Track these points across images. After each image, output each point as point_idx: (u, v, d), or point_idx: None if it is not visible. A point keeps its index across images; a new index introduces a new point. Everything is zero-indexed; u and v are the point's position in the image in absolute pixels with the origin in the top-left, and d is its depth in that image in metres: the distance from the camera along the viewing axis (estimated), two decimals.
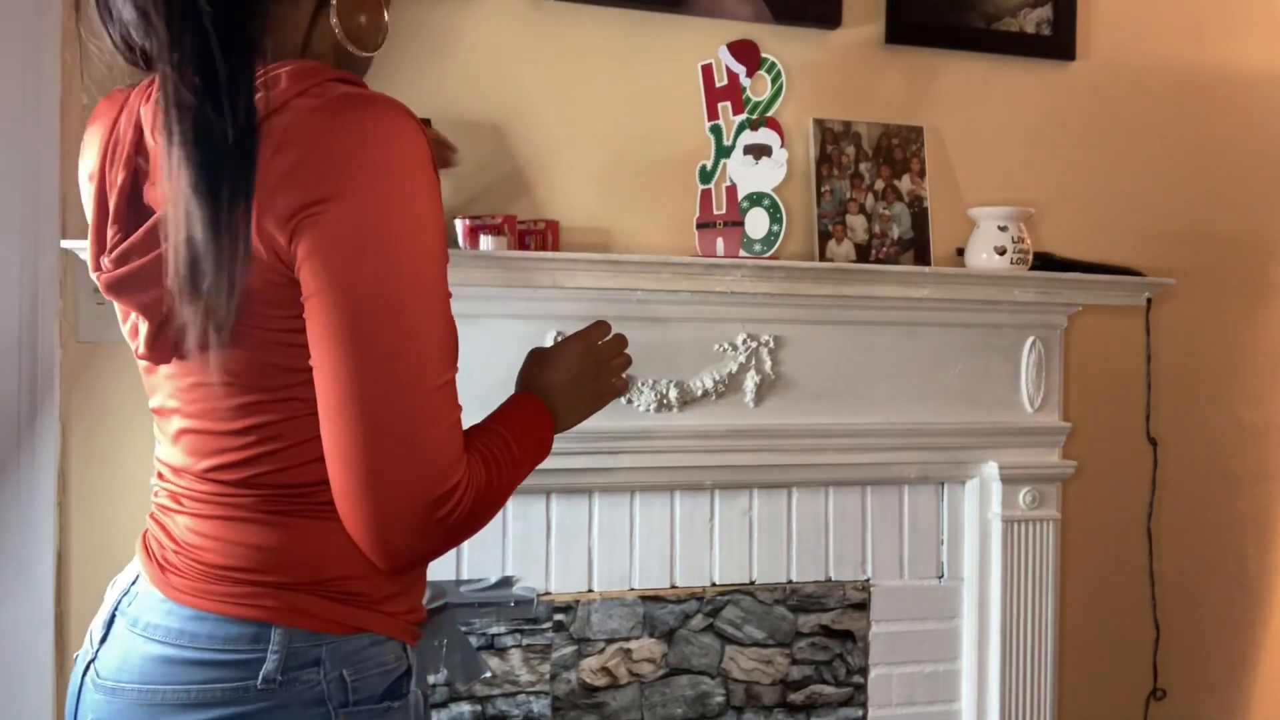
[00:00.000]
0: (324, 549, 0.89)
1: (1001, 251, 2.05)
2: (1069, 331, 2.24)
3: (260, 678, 0.86)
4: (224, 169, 0.80)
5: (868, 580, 2.14)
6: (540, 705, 1.98)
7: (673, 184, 2.05)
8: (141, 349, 0.91)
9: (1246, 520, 2.50)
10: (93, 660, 0.91)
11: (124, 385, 1.87)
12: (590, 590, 2.00)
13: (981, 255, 2.07)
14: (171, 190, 0.81)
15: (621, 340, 1.15)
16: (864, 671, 2.15)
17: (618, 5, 2.03)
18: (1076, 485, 2.31)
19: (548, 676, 1.98)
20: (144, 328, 0.89)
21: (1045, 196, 2.31)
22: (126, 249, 0.87)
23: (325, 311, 0.81)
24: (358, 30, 0.94)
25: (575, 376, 1.10)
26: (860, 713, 2.15)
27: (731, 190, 2.01)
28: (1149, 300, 2.27)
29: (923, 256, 2.15)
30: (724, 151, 2.01)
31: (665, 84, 2.07)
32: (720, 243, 2.00)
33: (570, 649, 2.00)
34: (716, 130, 2.01)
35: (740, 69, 2.02)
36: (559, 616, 1.99)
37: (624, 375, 1.17)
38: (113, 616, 0.93)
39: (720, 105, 2.01)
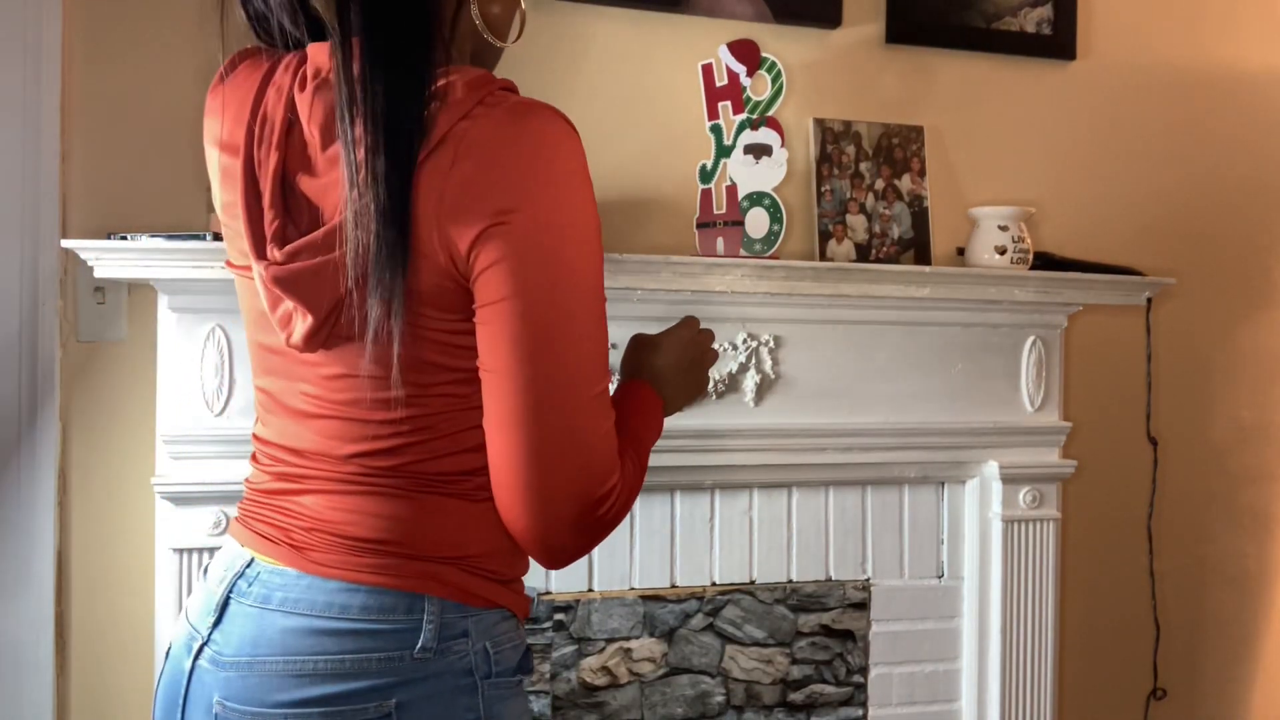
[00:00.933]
0: (466, 528, 0.91)
1: (1002, 251, 2.05)
2: (1069, 331, 2.24)
3: (418, 647, 0.87)
4: (406, 164, 0.82)
5: (868, 580, 2.14)
6: (540, 704, 1.98)
7: (673, 183, 2.06)
8: (296, 339, 0.90)
9: (1246, 520, 2.50)
10: (205, 643, 0.91)
11: (124, 385, 1.87)
12: (590, 590, 2.00)
13: (982, 255, 2.07)
14: (358, 182, 0.82)
15: (712, 334, 1.20)
16: (864, 671, 2.15)
17: (618, 5, 2.03)
18: (1076, 485, 2.31)
19: (548, 676, 1.99)
20: (304, 322, 0.88)
21: (1045, 196, 2.31)
22: (301, 246, 0.87)
23: (506, 319, 0.83)
24: (495, 20, 0.97)
25: (683, 364, 1.13)
26: (860, 712, 2.15)
27: (732, 190, 2.01)
28: (1149, 300, 2.27)
29: (923, 256, 2.15)
30: (724, 151, 2.01)
31: (665, 83, 2.07)
32: (720, 242, 2.00)
33: (570, 648, 2.00)
34: (717, 130, 2.01)
35: (740, 68, 2.02)
36: (559, 616, 1.99)
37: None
38: (228, 599, 0.92)
39: (720, 105, 2.01)
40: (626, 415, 1.00)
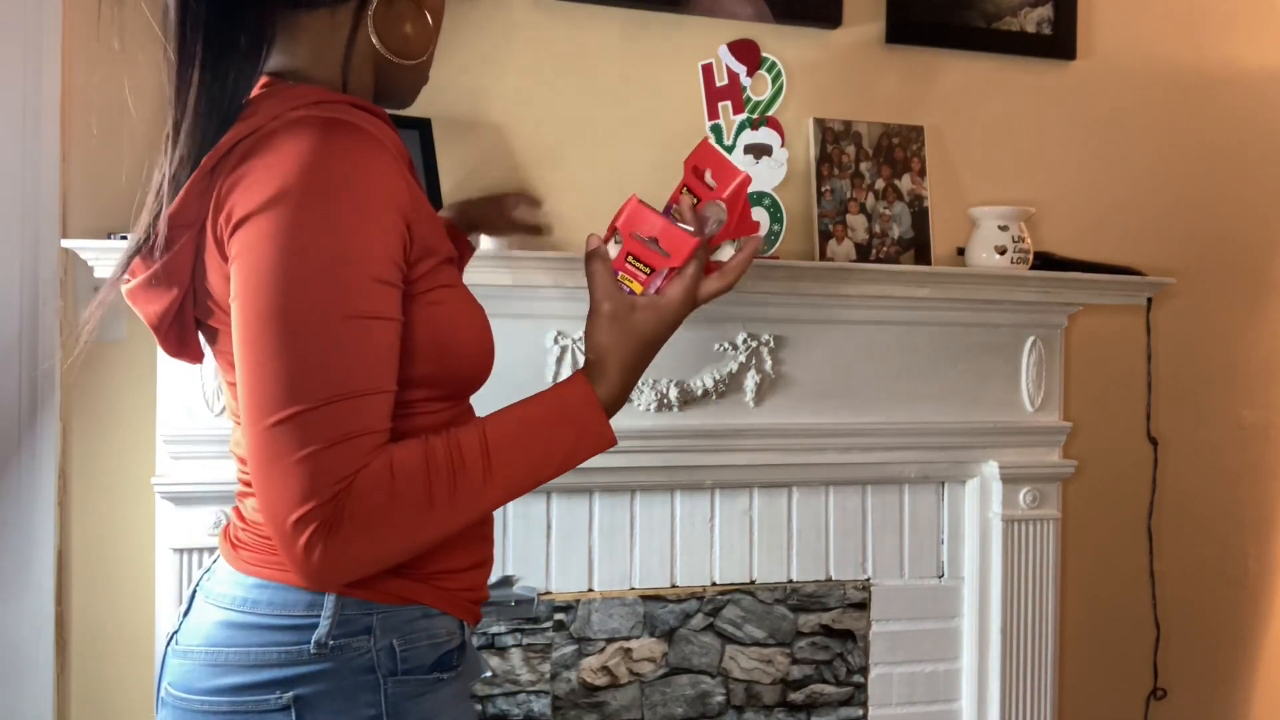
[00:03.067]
0: None
1: (1002, 251, 2.05)
2: (1069, 331, 2.24)
3: (312, 642, 0.90)
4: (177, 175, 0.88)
5: (868, 580, 2.14)
6: (540, 704, 1.98)
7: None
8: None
9: (1246, 520, 2.50)
10: (175, 631, 0.97)
11: (124, 385, 1.87)
12: (590, 590, 2.00)
13: (982, 255, 2.07)
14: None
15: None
16: (864, 671, 2.15)
17: (618, 5, 2.03)
18: (1076, 485, 2.31)
19: (548, 676, 1.98)
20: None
21: (1045, 196, 2.31)
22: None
23: (234, 326, 0.85)
24: (399, 39, 0.97)
25: (658, 341, 0.98)
26: (860, 712, 2.15)
27: None
28: (1149, 300, 2.27)
29: (923, 256, 2.15)
30: (724, 151, 2.01)
31: (665, 83, 2.07)
32: None
33: (570, 648, 2.00)
34: (717, 130, 2.01)
35: (741, 68, 2.02)
36: (559, 616, 1.99)
37: None
38: (195, 592, 0.98)
39: (721, 105, 2.01)
40: (505, 445, 0.89)
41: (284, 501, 0.81)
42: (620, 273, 0.96)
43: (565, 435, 0.92)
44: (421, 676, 0.93)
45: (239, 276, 0.83)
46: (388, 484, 0.83)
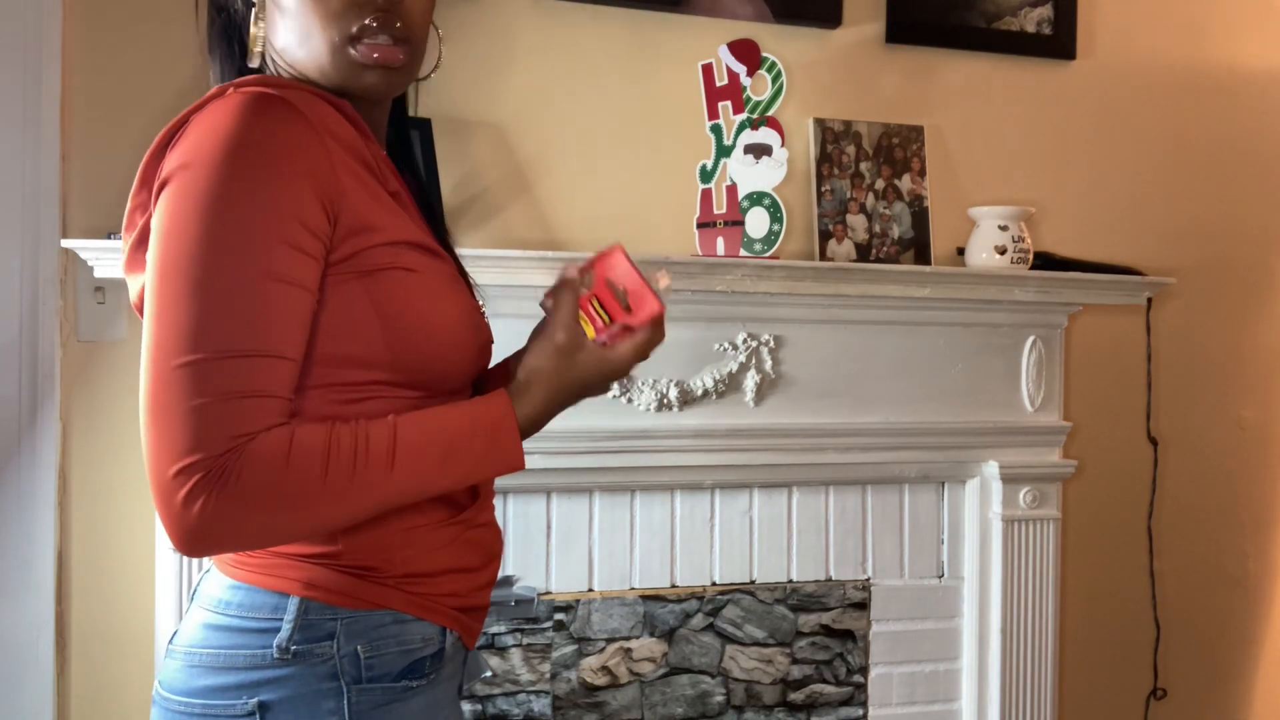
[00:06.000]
0: None
1: (1002, 251, 2.05)
2: (1069, 331, 2.24)
3: (274, 646, 0.89)
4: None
5: (868, 580, 2.14)
6: (541, 704, 1.98)
7: (673, 183, 2.05)
8: None
9: (1246, 520, 2.50)
10: (176, 633, 0.96)
11: (124, 385, 1.87)
12: (590, 590, 2.00)
13: (982, 255, 2.07)
14: None
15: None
16: (864, 671, 2.15)
17: (618, 5, 2.03)
18: (1076, 485, 2.31)
19: (548, 676, 1.98)
20: None
21: (1045, 196, 2.31)
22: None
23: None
24: (281, 49, 0.96)
25: (581, 387, 0.97)
26: (860, 712, 2.15)
27: (732, 190, 2.01)
28: (1149, 300, 2.27)
29: (923, 256, 2.15)
30: (724, 151, 2.01)
31: (665, 83, 2.07)
32: (721, 242, 2.00)
33: (570, 648, 2.00)
34: (717, 130, 2.01)
35: (741, 68, 2.02)
36: (559, 616, 1.99)
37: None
38: (194, 593, 0.97)
39: (720, 104, 2.01)
40: (412, 442, 0.86)
41: (170, 449, 0.80)
42: (581, 312, 0.95)
43: (474, 446, 0.89)
44: (388, 685, 0.91)
45: (154, 233, 0.84)
46: (284, 456, 0.81)
